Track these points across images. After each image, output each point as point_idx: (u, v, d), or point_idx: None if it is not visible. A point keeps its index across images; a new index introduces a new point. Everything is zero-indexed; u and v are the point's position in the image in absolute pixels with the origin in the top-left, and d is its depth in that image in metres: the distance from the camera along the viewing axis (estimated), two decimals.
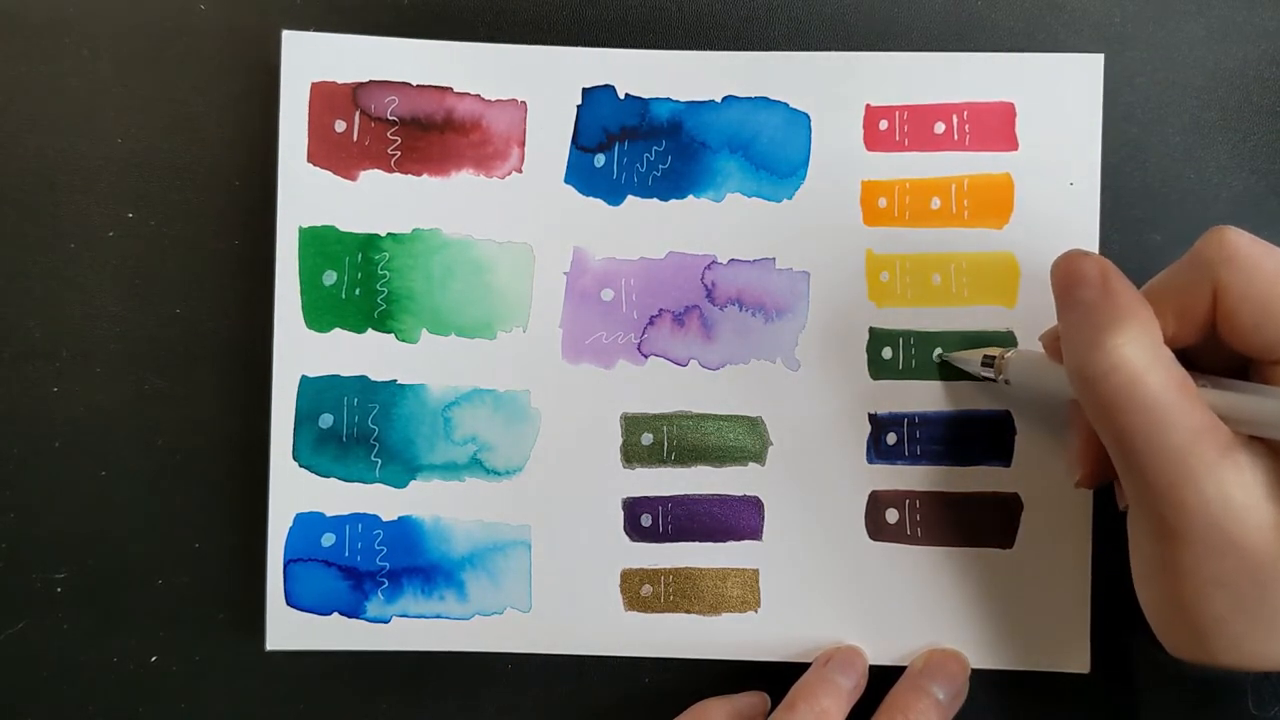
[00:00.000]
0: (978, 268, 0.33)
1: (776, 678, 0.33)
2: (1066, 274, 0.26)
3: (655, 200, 0.33)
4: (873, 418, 0.33)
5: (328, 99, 0.33)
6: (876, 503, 0.33)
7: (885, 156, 0.33)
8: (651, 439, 0.33)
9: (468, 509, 0.33)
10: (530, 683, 0.34)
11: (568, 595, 0.33)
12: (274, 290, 0.33)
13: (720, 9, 0.34)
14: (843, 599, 0.33)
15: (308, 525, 0.33)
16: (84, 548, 0.34)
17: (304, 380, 0.33)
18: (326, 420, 0.33)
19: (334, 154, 0.33)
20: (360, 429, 0.33)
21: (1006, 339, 0.33)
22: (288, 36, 0.33)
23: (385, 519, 0.33)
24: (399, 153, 0.33)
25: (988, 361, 0.31)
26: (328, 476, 0.33)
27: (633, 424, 0.33)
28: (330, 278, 0.33)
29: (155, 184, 0.34)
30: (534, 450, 0.33)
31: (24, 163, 0.34)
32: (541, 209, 0.33)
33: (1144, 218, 0.33)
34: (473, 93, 0.33)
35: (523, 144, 0.33)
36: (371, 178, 0.33)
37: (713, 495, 0.33)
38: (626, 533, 0.33)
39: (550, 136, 0.33)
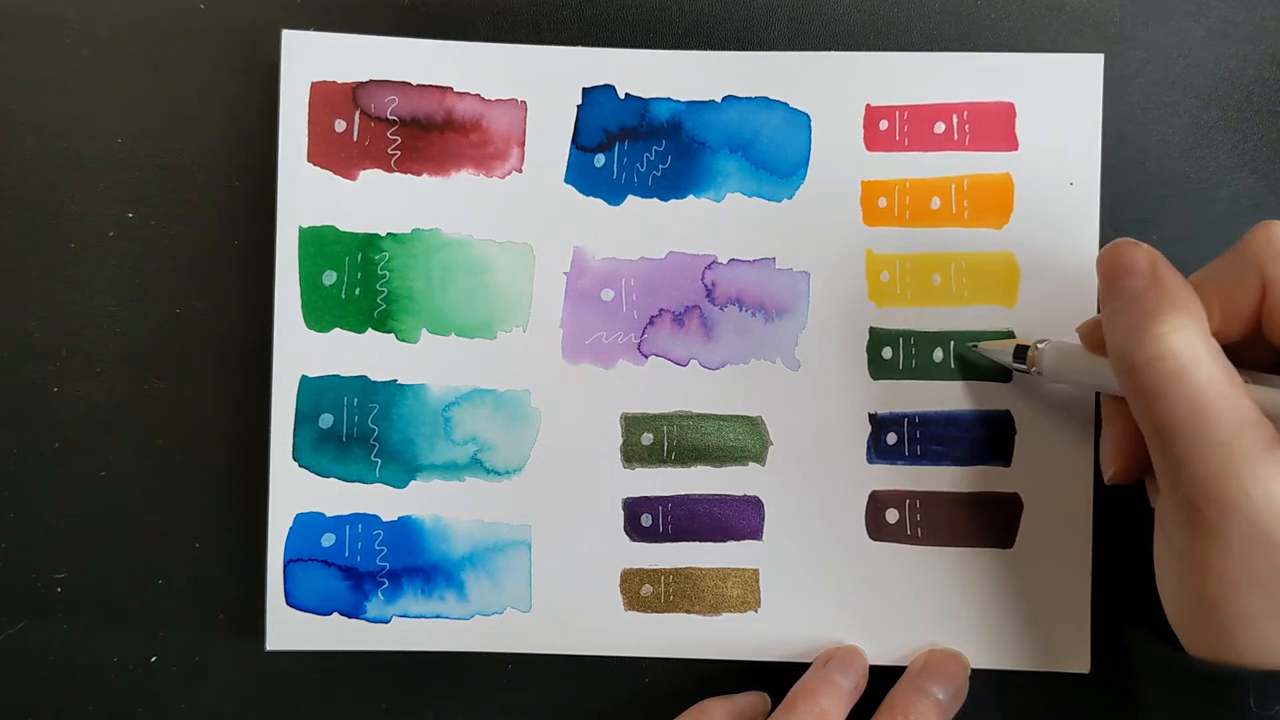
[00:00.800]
0: (978, 268, 0.33)
1: (776, 678, 0.33)
2: (1115, 263, 0.26)
3: (655, 200, 0.33)
4: (873, 418, 0.33)
5: (328, 99, 0.33)
6: (876, 503, 0.33)
7: (885, 156, 0.33)
8: (651, 439, 0.33)
9: (468, 509, 0.33)
10: (530, 683, 0.34)
11: (568, 595, 0.33)
12: (274, 290, 0.33)
13: (720, 9, 0.34)
14: (843, 599, 0.33)
15: (308, 525, 0.33)
16: (84, 548, 0.34)
17: (304, 380, 0.33)
18: (326, 420, 0.33)
19: (334, 154, 0.33)
20: (360, 429, 0.33)
21: (1006, 339, 0.33)
22: (288, 36, 0.33)
23: (385, 519, 0.33)
24: (399, 152, 0.33)
25: (1019, 353, 0.31)
26: (328, 476, 0.33)
27: (633, 424, 0.33)
28: (330, 278, 0.33)
29: (155, 184, 0.34)
30: (534, 450, 0.33)
31: (24, 163, 0.34)
32: (541, 209, 0.33)
33: (1144, 218, 0.33)
34: (473, 93, 0.33)
35: (523, 144, 0.33)
36: (371, 177, 0.33)
37: (713, 495, 0.33)
38: (626, 533, 0.33)
39: (550, 136, 0.33)
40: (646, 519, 0.33)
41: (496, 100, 0.33)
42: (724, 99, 0.33)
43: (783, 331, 0.33)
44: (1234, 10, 0.33)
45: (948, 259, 0.33)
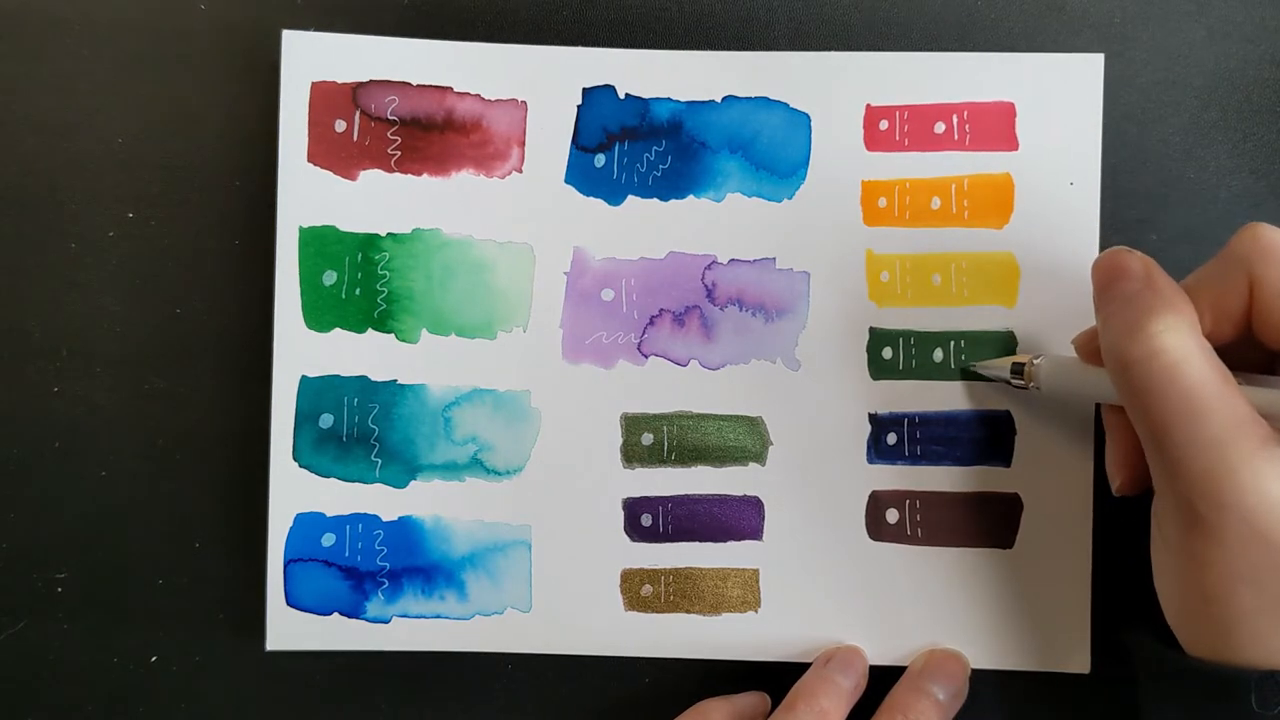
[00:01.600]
0: (978, 268, 0.33)
1: (776, 678, 0.33)
2: (1110, 268, 0.26)
3: (655, 200, 0.33)
4: (873, 418, 0.33)
5: (328, 99, 0.33)
6: (876, 503, 0.33)
7: (885, 156, 0.33)
8: (651, 439, 0.33)
9: (468, 509, 0.33)
10: (530, 683, 0.34)
11: (568, 595, 0.33)
12: (274, 290, 0.33)
13: (720, 9, 0.34)
14: (843, 599, 0.33)
15: (308, 525, 0.33)
16: (84, 548, 0.34)
17: (304, 380, 0.33)
18: (326, 420, 0.33)
19: (334, 154, 0.33)
20: (360, 429, 0.33)
21: (1006, 339, 0.33)
22: (288, 36, 0.33)
23: (385, 519, 0.33)
24: (399, 153, 0.33)
25: (1017, 369, 0.31)
26: (328, 476, 0.33)
27: (633, 424, 0.33)
28: (330, 278, 0.33)
29: (155, 184, 0.34)
30: (534, 450, 0.33)
31: (24, 163, 0.34)
32: (541, 209, 0.33)
33: (1144, 218, 0.33)
34: (473, 93, 0.33)
35: (523, 144, 0.33)
36: (371, 177, 0.33)
37: (713, 495, 0.33)
38: (626, 533, 0.33)
39: (550, 136, 0.33)
40: (646, 519, 0.33)
41: (496, 100, 0.33)
42: (724, 99, 0.33)
43: (783, 331, 0.33)
44: (1234, 10, 0.33)
45: (948, 259, 0.33)
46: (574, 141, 0.33)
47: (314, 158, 0.33)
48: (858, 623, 0.33)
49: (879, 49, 0.33)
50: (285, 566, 0.33)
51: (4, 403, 0.34)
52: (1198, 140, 0.33)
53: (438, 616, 0.33)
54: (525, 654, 0.33)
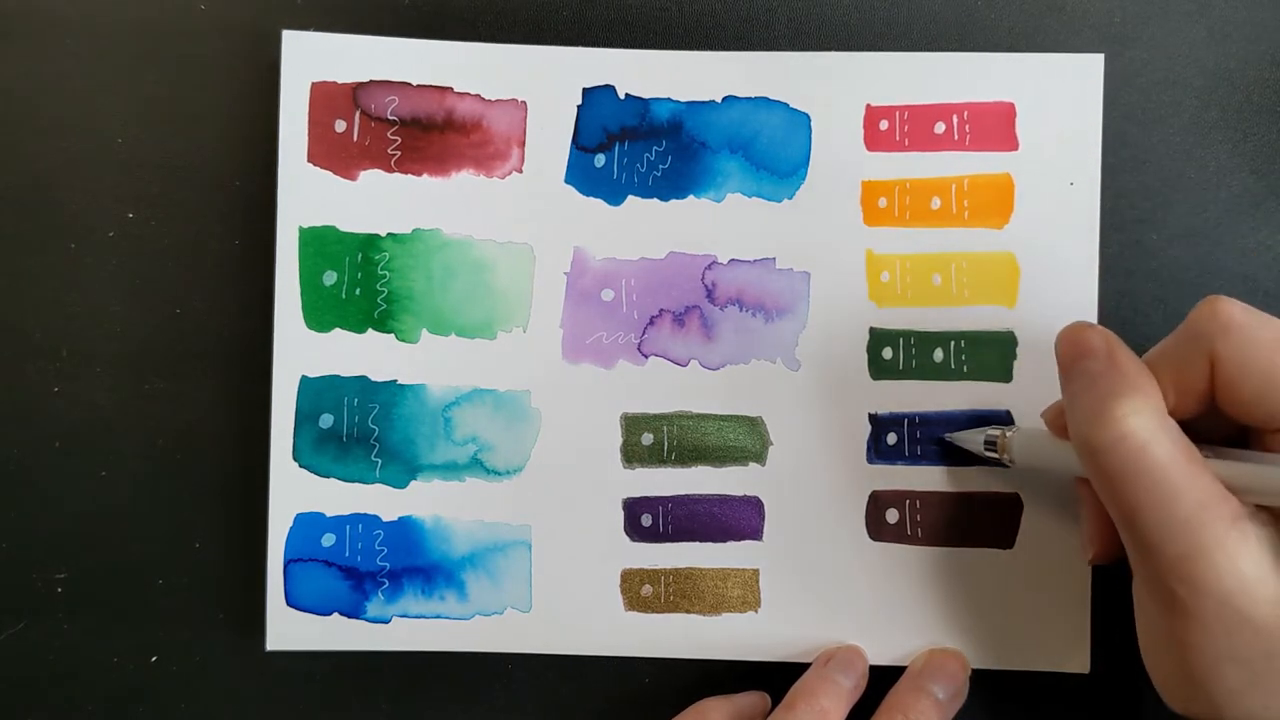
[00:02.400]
0: (978, 268, 0.33)
1: (776, 678, 0.33)
2: (1072, 344, 0.26)
3: (655, 200, 0.33)
4: (873, 418, 0.33)
5: (328, 99, 0.33)
6: (876, 503, 0.33)
7: (885, 156, 0.33)
8: (651, 439, 0.33)
9: (468, 509, 0.33)
10: (530, 683, 0.34)
11: (568, 595, 0.33)
12: (274, 290, 0.33)
13: (720, 9, 0.34)
14: (843, 599, 0.33)
15: (308, 525, 0.33)
16: (84, 548, 0.34)
17: (304, 380, 0.33)
18: (326, 420, 0.33)
19: (334, 154, 0.33)
20: (360, 429, 0.33)
21: (1006, 339, 0.33)
22: (288, 36, 0.33)
23: (385, 519, 0.33)
24: (399, 153, 0.33)
25: (990, 442, 0.31)
26: (328, 476, 0.33)
27: (633, 424, 0.33)
28: (330, 278, 0.33)
29: (155, 184, 0.34)
30: (534, 450, 0.33)
31: (24, 163, 0.34)
32: (541, 209, 0.33)
33: (1144, 218, 0.33)
34: (473, 93, 0.33)
35: (523, 144, 0.33)
36: (371, 178, 0.33)
37: (713, 495, 0.33)
38: (626, 533, 0.33)
39: (550, 136, 0.33)
40: (646, 519, 0.33)
41: (496, 100, 0.33)
42: (724, 99, 0.33)
43: (783, 331, 0.33)
44: (1234, 10, 0.33)
45: (948, 259, 0.33)
46: (574, 141, 0.33)
47: (314, 158, 0.33)
48: (858, 623, 0.33)
49: (879, 49, 0.33)
50: (285, 566, 0.33)
51: (4, 403, 0.34)
52: (1198, 140, 0.33)
53: (438, 616, 0.33)
54: (525, 654, 0.33)
